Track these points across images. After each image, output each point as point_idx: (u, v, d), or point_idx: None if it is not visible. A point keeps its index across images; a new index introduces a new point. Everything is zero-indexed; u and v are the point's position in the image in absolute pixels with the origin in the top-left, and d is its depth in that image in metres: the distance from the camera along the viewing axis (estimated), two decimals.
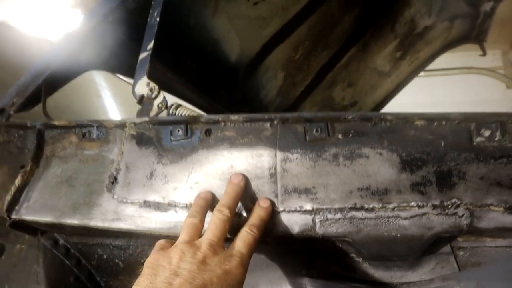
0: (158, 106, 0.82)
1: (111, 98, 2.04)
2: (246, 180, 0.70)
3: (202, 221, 0.66)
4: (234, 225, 0.67)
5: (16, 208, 0.81)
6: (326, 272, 0.76)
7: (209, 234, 0.63)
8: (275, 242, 0.73)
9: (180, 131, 0.75)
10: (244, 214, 0.71)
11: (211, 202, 0.69)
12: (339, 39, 1.82)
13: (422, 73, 2.49)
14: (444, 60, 2.38)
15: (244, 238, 0.64)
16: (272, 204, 0.69)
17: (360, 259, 0.75)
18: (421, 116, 0.67)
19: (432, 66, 2.38)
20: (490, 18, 1.94)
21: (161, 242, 0.66)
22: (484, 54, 2.15)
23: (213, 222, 0.64)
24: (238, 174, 0.70)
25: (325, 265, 0.77)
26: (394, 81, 2.23)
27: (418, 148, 0.67)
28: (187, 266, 0.58)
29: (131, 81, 0.88)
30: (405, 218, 0.66)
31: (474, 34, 2.07)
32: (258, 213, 0.67)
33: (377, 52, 2.00)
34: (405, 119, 0.67)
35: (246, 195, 0.70)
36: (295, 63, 1.68)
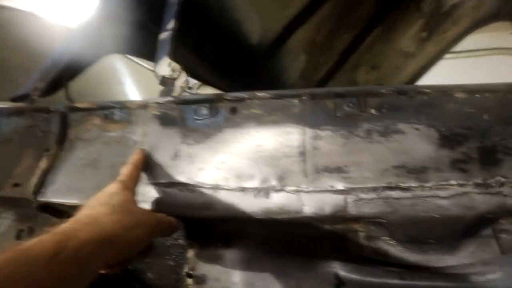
0: (180, 86, 0.80)
1: (132, 84, 2.04)
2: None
3: None
4: None
5: (42, 190, 0.81)
6: (357, 256, 0.73)
7: None
8: (304, 224, 0.70)
9: (205, 110, 0.72)
10: None
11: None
12: (362, 19, 1.76)
13: (448, 55, 2.39)
14: (471, 40, 2.27)
15: None
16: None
17: (393, 242, 0.71)
18: (462, 87, 0.62)
19: (458, 47, 2.27)
20: None
21: None
22: None
23: None
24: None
25: (356, 249, 0.73)
26: (419, 62, 2.15)
27: (458, 122, 0.63)
28: None
29: (151, 66, 0.87)
30: (445, 198, 0.62)
31: (506, 10, 1.96)
32: None
33: (402, 32, 1.92)
34: (444, 92, 0.63)
35: (272, 173, 0.67)
36: (317, 45, 1.62)
